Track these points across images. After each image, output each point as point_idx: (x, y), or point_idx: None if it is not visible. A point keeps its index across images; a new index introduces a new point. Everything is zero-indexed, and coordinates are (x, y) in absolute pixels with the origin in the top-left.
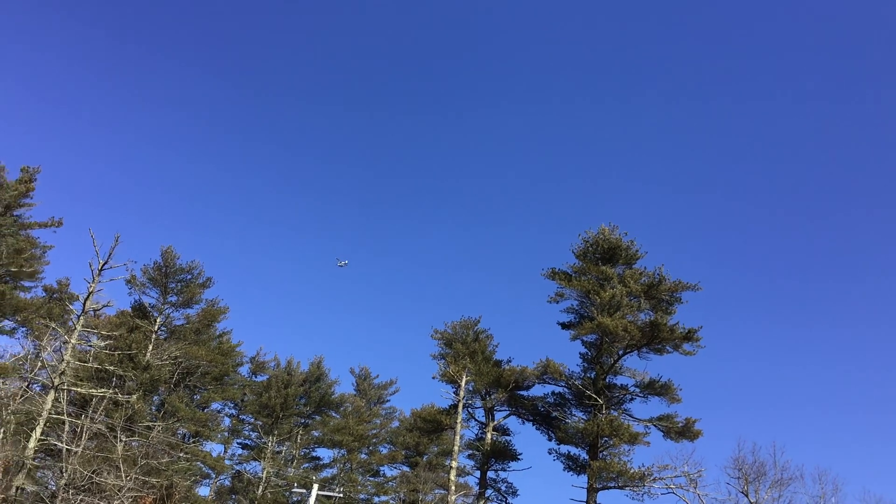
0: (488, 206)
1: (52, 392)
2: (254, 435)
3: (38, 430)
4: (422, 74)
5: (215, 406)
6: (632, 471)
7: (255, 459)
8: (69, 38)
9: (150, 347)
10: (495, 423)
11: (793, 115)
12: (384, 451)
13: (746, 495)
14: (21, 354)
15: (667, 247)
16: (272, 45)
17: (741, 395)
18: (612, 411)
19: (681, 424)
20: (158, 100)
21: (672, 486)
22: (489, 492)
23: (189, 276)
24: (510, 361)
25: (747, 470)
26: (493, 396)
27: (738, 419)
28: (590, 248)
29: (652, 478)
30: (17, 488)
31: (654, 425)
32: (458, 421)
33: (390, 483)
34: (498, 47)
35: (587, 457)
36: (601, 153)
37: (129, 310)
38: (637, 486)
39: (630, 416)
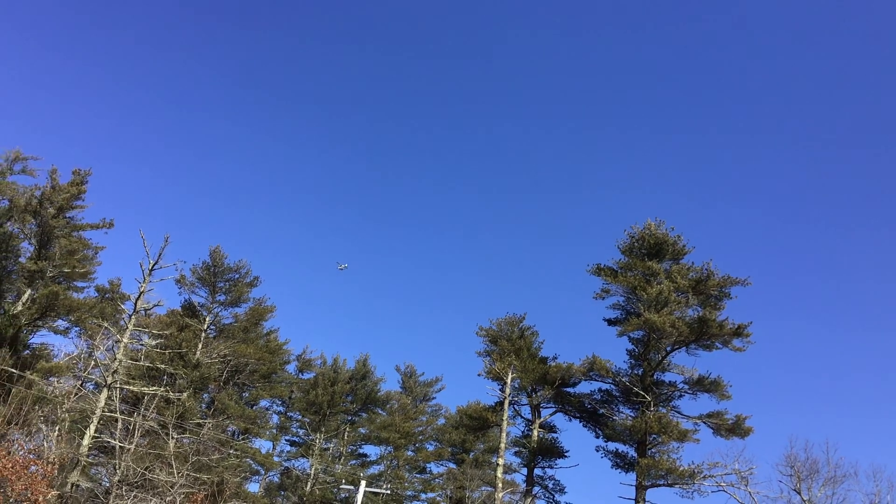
0: (533, 202)
1: (106, 390)
2: (301, 432)
3: (92, 427)
4: (472, 68)
5: (263, 403)
6: (681, 468)
7: (303, 456)
8: (115, 42)
9: (200, 346)
10: (541, 420)
11: (854, 107)
12: (430, 449)
13: (799, 493)
14: (75, 353)
15: (717, 241)
16: (316, 51)
17: (793, 391)
18: (660, 408)
19: (731, 421)
20: (202, 101)
21: (723, 484)
22: (536, 489)
23: (237, 276)
24: (556, 358)
25: (800, 467)
26: (539, 393)
27: (789, 416)
28: (635, 244)
29: (702, 475)
30: (72, 485)
31: (704, 422)
32: (504, 418)
33: (437, 480)
34: (544, 36)
35: (635, 454)
36: (645, 149)
37: (179, 309)
38: (687, 484)
39: (679, 413)
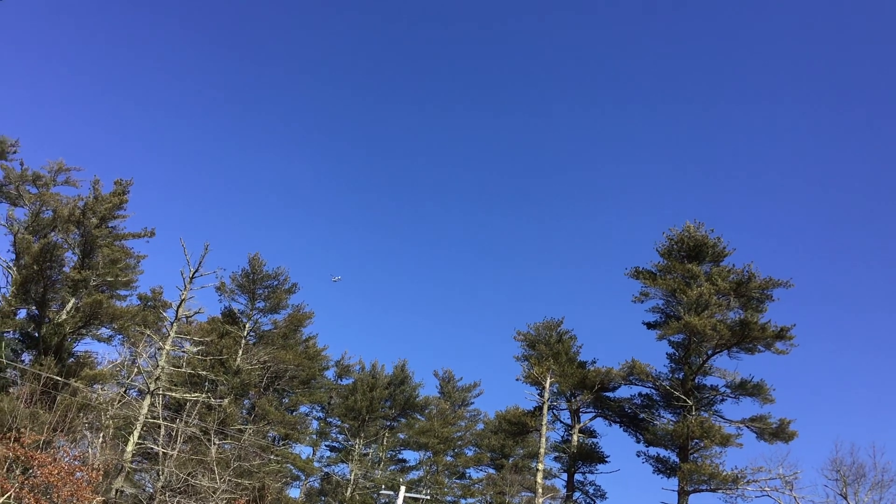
0: (570, 207)
1: (149, 397)
2: (341, 437)
3: (136, 433)
4: (510, 63)
5: (303, 409)
6: (724, 473)
7: (342, 461)
8: (149, 50)
9: (240, 352)
10: (581, 424)
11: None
12: (470, 454)
13: (845, 498)
14: (118, 361)
15: (758, 241)
16: (354, 47)
17: (838, 394)
18: (702, 412)
19: (775, 425)
20: (236, 101)
21: (767, 489)
22: (577, 494)
23: (275, 283)
24: (595, 362)
25: (846, 472)
26: (578, 398)
27: (834, 420)
28: (674, 246)
29: (745, 480)
30: (117, 491)
31: (747, 426)
32: (544, 423)
33: (476, 485)
34: (584, 34)
35: (677, 459)
36: (687, 150)
37: (220, 316)
38: (730, 489)
39: (721, 417)
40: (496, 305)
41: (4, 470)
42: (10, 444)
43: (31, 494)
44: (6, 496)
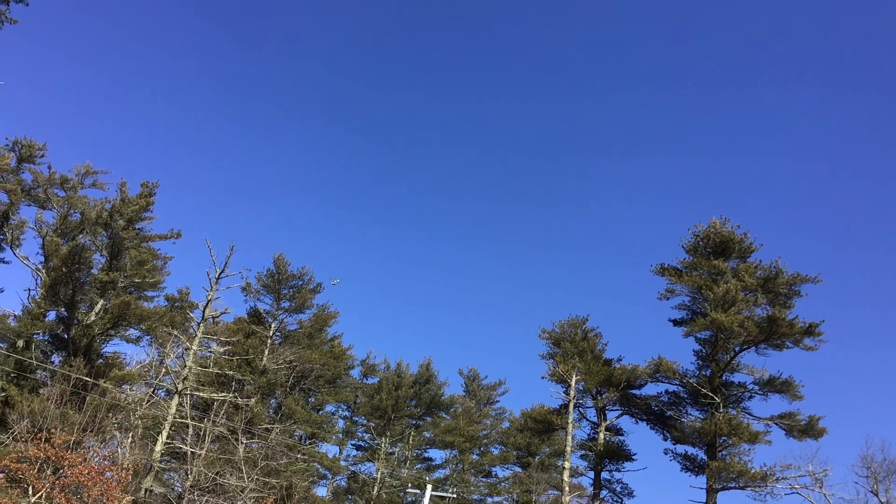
0: (594, 202)
1: (176, 397)
2: (367, 436)
3: (165, 433)
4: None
5: (329, 408)
6: (753, 471)
7: (369, 460)
8: (171, 52)
9: (266, 352)
10: (607, 422)
11: None
12: (496, 452)
13: (876, 494)
14: (146, 361)
15: (785, 236)
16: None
17: (868, 390)
18: (730, 410)
19: (804, 422)
20: (260, 98)
21: (796, 486)
22: (604, 493)
23: (300, 282)
24: (621, 360)
25: (876, 468)
26: (604, 396)
27: (864, 416)
28: (700, 243)
29: (775, 478)
30: (146, 490)
31: (776, 423)
32: (570, 421)
33: (503, 484)
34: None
35: (705, 457)
36: (715, 143)
37: (246, 316)
38: (759, 487)
39: (749, 414)
40: (521, 303)
41: (36, 470)
42: (42, 445)
43: (62, 494)
44: (38, 496)
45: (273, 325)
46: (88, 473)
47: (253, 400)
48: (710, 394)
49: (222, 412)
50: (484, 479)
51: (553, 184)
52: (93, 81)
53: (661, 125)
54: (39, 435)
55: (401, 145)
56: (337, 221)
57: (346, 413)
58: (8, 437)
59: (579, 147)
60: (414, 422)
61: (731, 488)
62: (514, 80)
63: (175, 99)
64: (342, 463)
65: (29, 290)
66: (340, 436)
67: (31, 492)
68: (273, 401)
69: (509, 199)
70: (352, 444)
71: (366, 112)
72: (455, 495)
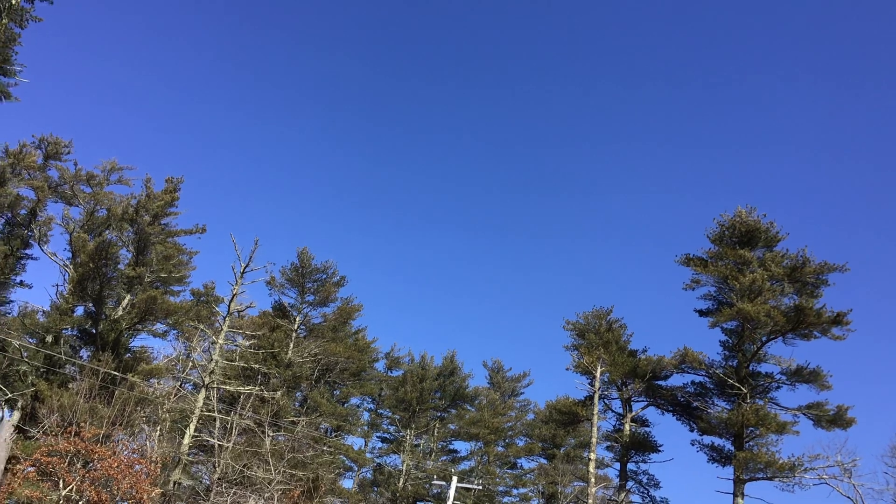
0: (618, 195)
1: (203, 390)
2: (392, 429)
3: (192, 426)
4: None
5: (354, 401)
6: (781, 461)
7: (394, 452)
8: (194, 46)
9: (291, 345)
10: (633, 413)
11: None
12: (521, 444)
13: None
14: (173, 355)
15: (811, 225)
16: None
17: None
18: (757, 400)
19: (832, 412)
20: (279, 90)
21: (825, 477)
22: (630, 484)
23: (324, 276)
24: (646, 351)
25: None
26: (629, 387)
27: (894, 405)
28: (726, 232)
29: (803, 468)
30: (175, 483)
31: (804, 414)
32: (595, 412)
33: (528, 475)
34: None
35: (732, 447)
36: (737, 133)
37: (270, 310)
38: (787, 477)
39: (776, 404)
40: (545, 295)
41: (66, 463)
42: (72, 439)
43: (93, 487)
44: (68, 489)
45: (298, 319)
46: (118, 466)
47: (279, 393)
48: (736, 384)
49: (249, 405)
50: (509, 471)
51: (578, 174)
52: (114, 77)
53: (688, 114)
54: (69, 429)
55: (421, 136)
56: (359, 214)
57: (371, 406)
58: (38, 432)
59: (607, 137)
60: (438, 414)
61: (758, 479)
62: (540, 69)
63: (195, 93)
64: (368, 455)
65: (57, 285)
66: (366, 428)
67: (61, 485)
68: (299, 394)
69: (534, 190)
70: (377, 437)
71: (391, 105)
72: (480, 487)
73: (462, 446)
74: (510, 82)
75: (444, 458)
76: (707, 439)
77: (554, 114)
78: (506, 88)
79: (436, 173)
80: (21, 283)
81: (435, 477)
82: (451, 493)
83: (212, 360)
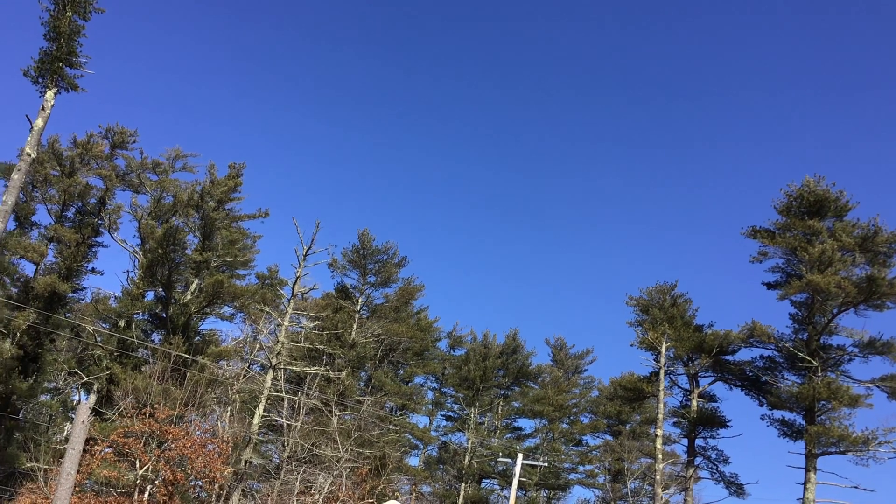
0: (684, 165)
1: (271, 371)
2: (456, 407)
3: (261, 407)
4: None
5: (418, 380)
6: (854, 435)
7: (459, 430)
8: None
9: (355, 326)
10: (700, 389)
11: None
12: (585, 421)
13: None
14: (241, 338)
15: (882, 193)
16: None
17: None
18: (828, 373)
19: None
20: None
21: None
22: (698, 460)
23: (385, 257)
24: (712, 325)
25: None
26: (696, 362)
27: None
28: (793, 203)
29: (877, 441)
30: (246, 461)
31: (878, 386)
32: (661, 388)
33: (594, 452)
34: None
35: (803, 422)
36: (800, 99)
37: (333, 291)
38: (861, 451)
39: (849, 377)
40: (606, 271)
41: (142, 444)
42: (146, 420)
43: (168, 466)
44: (144, 468)
45: (360, 300)
46: (192, 446)
47: (344, 373)
48: (807, 357)
49: (315, 385)
50: (574, 448)
51: (639, 151)
52: (173, 65)
53: (747, 82)
54: (144, 410)
55: (490, 121)
56: (419, 195)
57: (435, 385)
58: (114, 413)
59: (668, 104)
60: (502, 392)
61: (831, 453)
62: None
63: (251, 78)
64: (433, 433)
65: (127, 271)
66: (430, 407)
67: (138, 465)
68: (363, 374)
69: (595, 169)
70: (441, 415)
71: (453, 93)
72: (546, 464)
73: (526, 424)
74: (575, 72)
75: (509, 435)
76: (777, 414)
77: (609, 102)
78: (569, 78)
79: (497, 157)
80: (93, 270)
81: (500, 454)
82: (517, 469)
83: (278, 341)
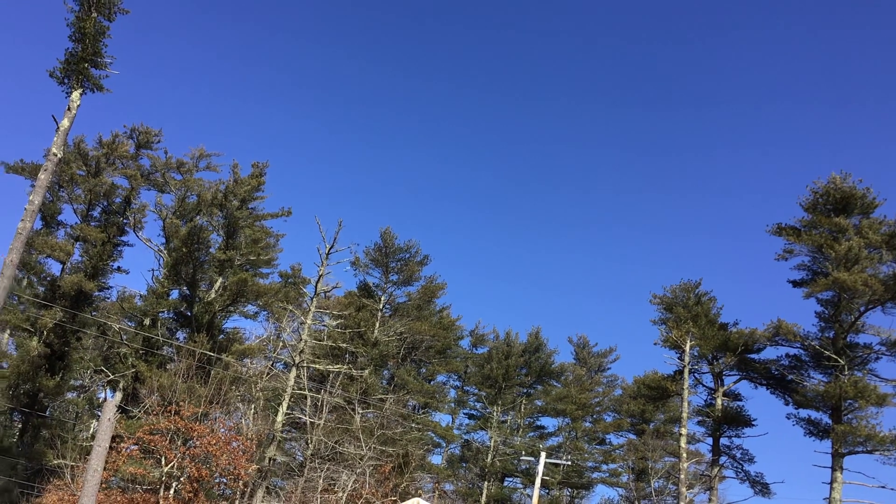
0: (707, 167)
1: (294, 369)
2: (479, 405)
3: (285, 404)
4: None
5: (440, 378)
6: (882, 434)
7: (481, 429)
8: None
9: (377, 324)
10: (724, 388)
11: None
12: (608, 420)
13: None
14: (264, 336)
15: None
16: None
17: None
18: (855, 372)
19: None
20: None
21: None
22: (723, 459)
23: (407, 255)
24: (737, 324)
25: None
26: (720, 361)
27: None
28: (819, 200)
29: None
30: (270, 459)
31: None
32: (685, 387)
33: (617, 451)
34: None
35: (830, 421)
36: (827, 101)
37: (356, 290)
38: (889, 451)
39: (876, 376)
40: (628, 270)
41: (167, 441)
42: (172, 417)
43: (193, 463)
44: (170, 465)
45: (383, 298)
46: (216, 444)
47: (366, 371)
48: (833, 356)
49: (338, 383)
50: (598, 447)
51: (662, 154)
52: (197, 66)
53: (779, 73)
54: (169, 408)
55: (499, 124)
56: (441, 195)
57: (457, 383)
58: (140, 411)
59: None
60: (525, 390)
61: (857, 452)
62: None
63: (275, 80)
64: (455, 431)
65: (152, 270)
66: (452, 405)
67: (163, 462)
68: (386, 372)
69: (612, 164)
70: (464, 413)
71: (473, 93)
72: (569, 462)
73: (549, 422)
74: (596, 68)
75: (532, 433)
76: (803, 413)
77: (629, 97)
78: (592, 76)
79: (518, 157)
80: (119, 269)
81: (523, 452)
82: (540, 468)
83: (301, 339)
